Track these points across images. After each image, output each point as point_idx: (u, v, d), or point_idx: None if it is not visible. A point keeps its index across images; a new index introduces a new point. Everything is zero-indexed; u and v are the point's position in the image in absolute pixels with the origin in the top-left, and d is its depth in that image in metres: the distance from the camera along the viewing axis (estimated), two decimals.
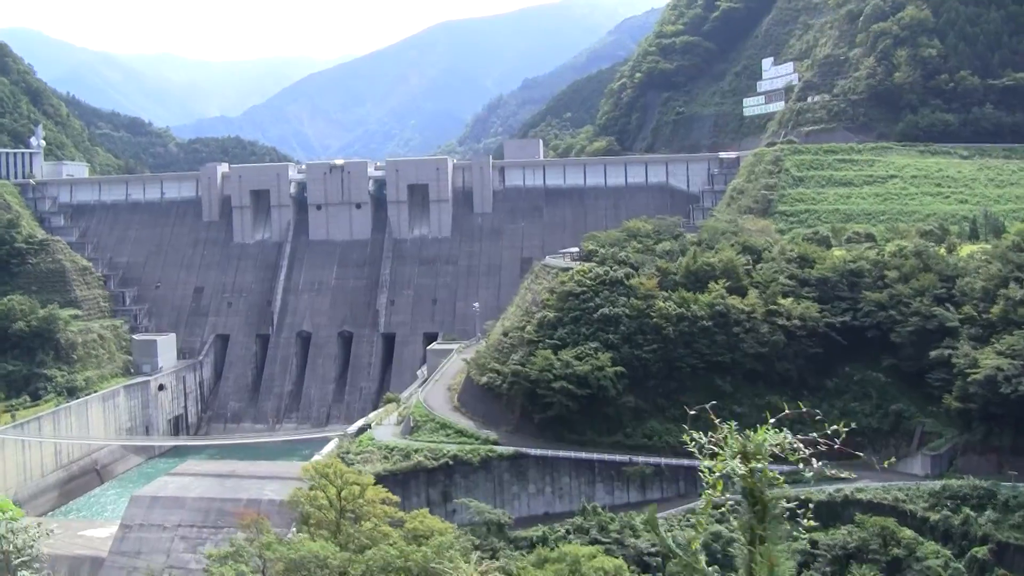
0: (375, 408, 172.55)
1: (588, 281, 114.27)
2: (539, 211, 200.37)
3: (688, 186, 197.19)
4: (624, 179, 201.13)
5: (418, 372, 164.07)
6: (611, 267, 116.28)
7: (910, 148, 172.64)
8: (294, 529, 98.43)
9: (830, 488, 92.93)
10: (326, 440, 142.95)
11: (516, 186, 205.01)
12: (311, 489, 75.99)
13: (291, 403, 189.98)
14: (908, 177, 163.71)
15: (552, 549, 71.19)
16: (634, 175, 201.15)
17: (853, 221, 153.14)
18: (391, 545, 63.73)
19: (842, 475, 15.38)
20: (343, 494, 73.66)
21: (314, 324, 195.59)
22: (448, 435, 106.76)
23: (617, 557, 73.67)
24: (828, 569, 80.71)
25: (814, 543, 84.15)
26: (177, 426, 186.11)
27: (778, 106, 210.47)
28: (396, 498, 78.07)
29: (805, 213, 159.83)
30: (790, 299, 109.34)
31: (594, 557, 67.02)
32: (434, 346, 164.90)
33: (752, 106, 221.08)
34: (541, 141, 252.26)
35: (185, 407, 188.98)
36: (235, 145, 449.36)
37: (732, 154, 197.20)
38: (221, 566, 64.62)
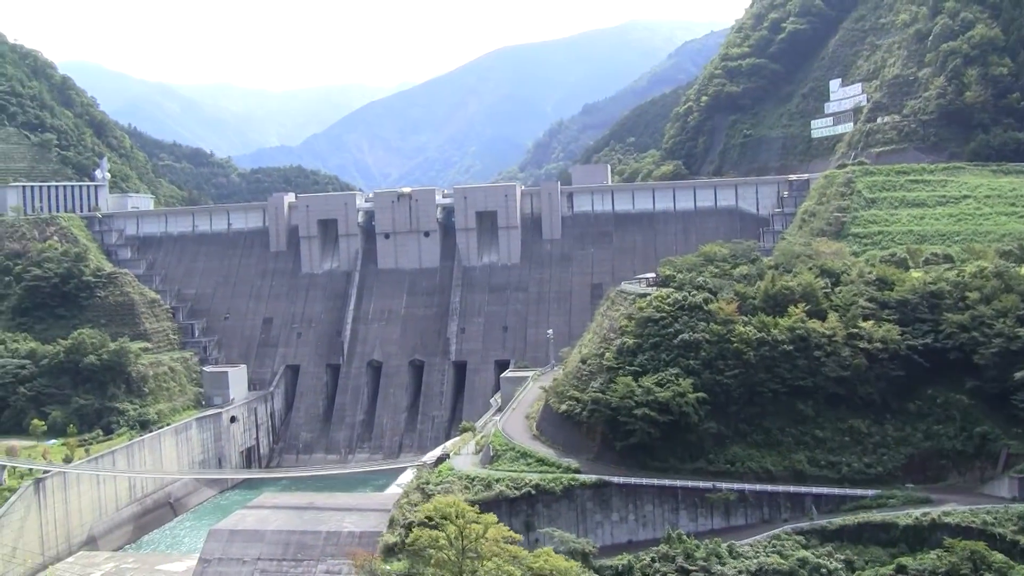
0: (448, 437, 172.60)
1: (667, 307, 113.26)
2: (608, 236, 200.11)
3: (758, 209, 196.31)
4: (693, 203, 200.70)
5: (491, 400, 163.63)
6: (689, 292, 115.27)
7: (982, 168, 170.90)
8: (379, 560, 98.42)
9: (916, 512, 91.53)
10: (399, 471, 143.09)
11: (585, 211, 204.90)
12: (431, 528, 75.28)
13: (363, 433, 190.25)
14: (982, 197, 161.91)
15: None
16: (703, 199, 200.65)
17: (927, 242, 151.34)
18: None
19: None
20: (465, 533, 72.86)
21: (384, 353, 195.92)
22: (529, 464, 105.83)
23: None
24: None
25: (902, 568, 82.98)
26: (249, 458, 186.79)
27: (846, 127, 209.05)
28: (519, 536, 77.33)
29: (879, 235, 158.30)
30: (870, 322, 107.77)
31: None
32: (507, 374, 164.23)
33: (820, 128, 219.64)
34: (609, 166, 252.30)
35: (257, 438, 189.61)
36: (297, 174, 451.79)
37: (802, 177, 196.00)
38: None
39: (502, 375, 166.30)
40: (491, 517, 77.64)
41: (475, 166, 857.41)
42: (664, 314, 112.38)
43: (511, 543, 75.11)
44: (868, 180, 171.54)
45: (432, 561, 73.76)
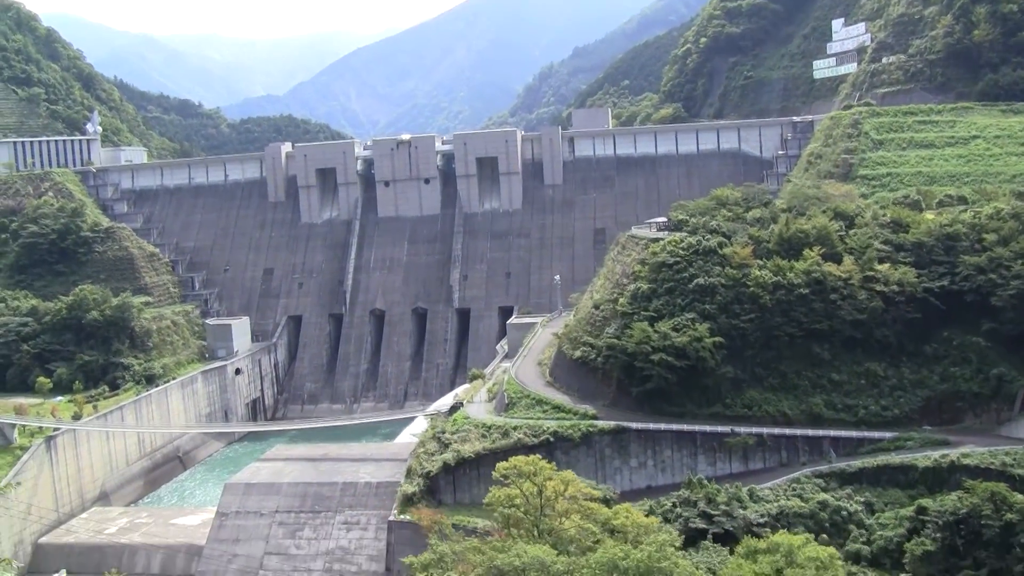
0: (453, 384, 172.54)
1: (681, 251, 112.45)
2: (610, 181, 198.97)
3: (761, 151, 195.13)
4: (696, 146, 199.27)
5: (497, 347, 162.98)
6: (703, 236, 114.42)
7: (991, 108, 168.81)
8: (395, 511, 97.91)
9: (935, 454, 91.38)
10: (407, 420, 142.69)
11: (586, 156, 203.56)
12: (508, 487, 73.36)
13: (368, 382, 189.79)
14: (991, 137, 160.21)
15: (762, 539, 69.34)
16: (706, 142, 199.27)
17: (937, 184, 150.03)
18: (615, 545, 61.90)
19: None
20: (544, 490, 71.40)
21: (387, 302, 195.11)
22: (545, 411, 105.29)
23: (829, 545, 72.59)
24: (938, 535, 78.83)
25: (922, 509, 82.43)
26: (254, 409, 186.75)
27: (850, 68, 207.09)
28: (598, 492, 75.99)
29: (887, 177, 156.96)
30: (886, 265, 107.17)
31: (806, 545, 65.45)
32: (513, 320, 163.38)
33: (822, 68, 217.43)
34: (609, 110, 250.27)
35: (262, 390, 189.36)
36: (288, 124, 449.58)
37: (806, 118, 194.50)
38: (424, 573, 63.07)
39: (508, 322, 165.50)
40: (570, 474, 76.09)
41: (464, 112, 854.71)
42: (678, 259, 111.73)
43: (590, 500, 73.15)
44: (875, 121, 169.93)
45: (509, 521, 71.76)
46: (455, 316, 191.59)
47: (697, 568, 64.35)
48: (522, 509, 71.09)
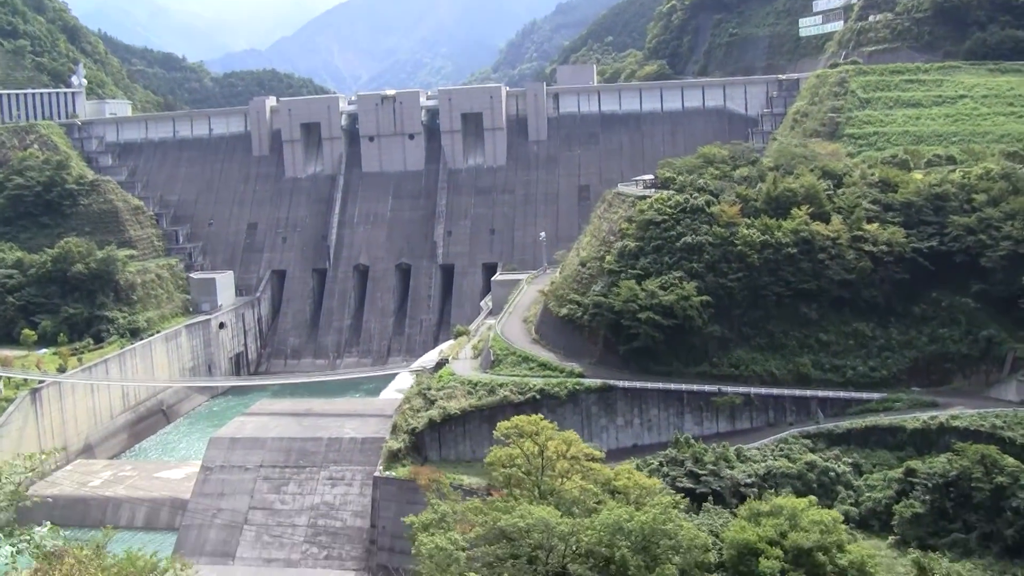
0: (436, 340, 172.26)
1: (668, 209, 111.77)
2: (595, 138, 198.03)
3: (746, 109, 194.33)
4: (681, 103, 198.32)
5: (481, 304, 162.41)
6: (691, 195, 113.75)
7: (979, 67, 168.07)
8: (381, 467, 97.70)
9: (924, 415, 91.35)
10: (391, 376, 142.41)
11: (571, 113, 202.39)
12: (509, 447, 72.45)
13: (351, 337, 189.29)
14: (979, 97, 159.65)
15: (763, 502, 69.00)
16: (691, 99, 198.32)
17: (924, 143, 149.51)
18: (619, 507, 61.35)
19: None
20: (545, 450, 70.52)
21: (371, 257, 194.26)
22: (531, 368, 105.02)
23: (832, 508, 72.47)
24: (927, 498, 78.87)
25: (911, 471, 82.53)
26: (238, 363, 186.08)
27: (836, 26, 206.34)
28: (600, 453, 75.17)
29: (874, 136, 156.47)
30: (875, 224, 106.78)
31: (809, 508, 65.20)
32: (498, 277, 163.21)
33: (808, 26, 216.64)
34: (595, 67, 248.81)
35: (245, 344, 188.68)
36: (271, 78, 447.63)
37: (791, 76, 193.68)
38: (425, 533, 62.50)
39: (492, 278, 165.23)
40: (571, 434, 74.98)
41: (446, 67, 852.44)
42: (666, 217, 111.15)
43: (592, 460, 72.47)
44: (862, 80, 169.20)
45: (510, 480, 70.77)
46: (439, 272, 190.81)
47: (700, 530, 63.92)
48: (523, 469, 70.19)
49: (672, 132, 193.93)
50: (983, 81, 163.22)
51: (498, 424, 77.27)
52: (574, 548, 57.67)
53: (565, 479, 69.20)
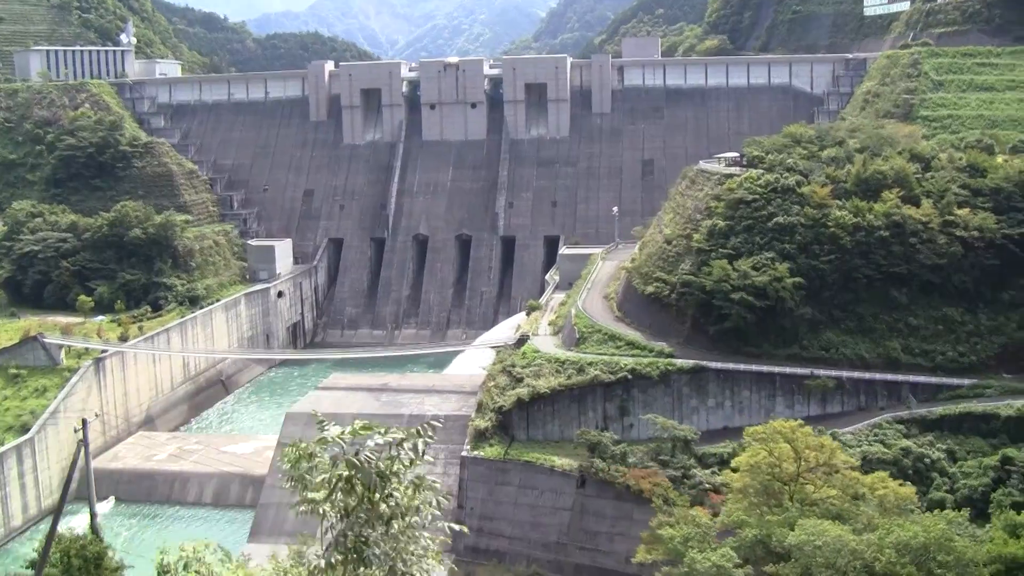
0: (496, 312, 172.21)
1: (759, 188, 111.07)
2: (659, 112, 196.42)
3: (811, 88, 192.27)
4: (747, 80, 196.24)
5: (546, 277, 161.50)
6: (780, 174, 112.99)
7: None
8: (468, 447, 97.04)
9: (1017, 403, 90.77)
10: (453, 352, 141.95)
11: (635, 86, 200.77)
12: (763, 451, 69.21)
13: (409, 308, 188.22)
14: None
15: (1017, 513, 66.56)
16: (756, 76, 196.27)
17: (999, 127, 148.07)
18: (912, 522, 59.40)
19: None
20: (805, 459, 67.80)
21: (431, 227, 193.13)
22: (618, 347, 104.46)
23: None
24: None
25: (1007, 459, 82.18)
26: (295, 333, 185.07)
27: (903, 6, 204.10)
28: (855, 461, 72.87)
29: (948, 119, 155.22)
30: (965, 210, 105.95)
31: None
32: (565, 250, 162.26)
33: (874, 5, 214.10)
34: (659, 40, 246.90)
35: (302, 313, 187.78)
36: (314, 41, 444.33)
37: (858, 56, 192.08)
38: (694, 550, 59.84)
39: (560, 251, 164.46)
40: (828, 439, 73.66)
41: (485, 34, 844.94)
42: (756, 196, 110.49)
43: (850, 468, 69.76)
44: (935, 62, 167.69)
45: (767, 490, 67.71)
46: (499, 244, 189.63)
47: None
48: (779, 477, 67.97)
49: (737, 108, 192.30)
50: None
51: (747, 428, 75.65)
52: (856, 567, 55.50)
53: (822, 488, 66.38)
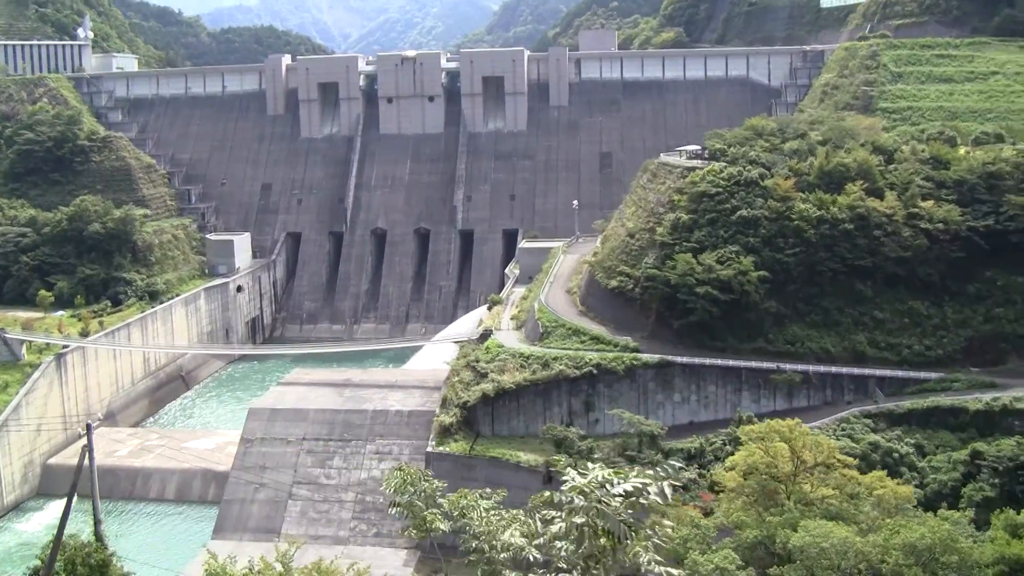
0: (455, 306, 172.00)
1: (722, 181, 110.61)
2: (617, 105, 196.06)
3: (769, 80, 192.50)
4: (704, 72, 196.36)
5: (506, 271, 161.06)
6: (743, 167, 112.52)
7: (1009, 43, 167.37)
8: (432, 442, 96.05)
9: (985, 397, 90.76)
10: (414, 347, 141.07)
11: (592, 78, 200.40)
12: (759, 450, 67.31)
13: (368, 302, 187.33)
14: (1011, 74, 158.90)
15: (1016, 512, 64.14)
16: (714, 68, 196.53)
17: (959, 119, 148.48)
18: (919, 524, 58.01)
19: None
20: (803, 458, 66.23)
21: (389, 221, 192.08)
22: (583, 342, 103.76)
23: None
24: (995, 481, 78.09)
25: (977, 453, 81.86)
26: (254, 328, 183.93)
27: None
28: (853, 460, 71.02)
29: (908, 111, 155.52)
30: (930, 202, 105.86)
31: None
32: (525, 244, 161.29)
33: None
34: (616, 32, 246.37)
35: (261, 308, 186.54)
36: (268, 35, 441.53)
37: (816, 48, 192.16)
38: (696, 552, 57.97)
39: (519, 245, 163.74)
40: (824, 437, 72.52)
41: (437, 27, 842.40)
42: (720, 189, 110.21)
43: (846, 467, 67.96)
44: (893, 54, 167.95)
45: (764, 490, 65.87)
46: (458, 237, 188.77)
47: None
48: (776, 477, 66.60)
49: (695, 101, 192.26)
50: (1014, 58, 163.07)
51: (742, 428, 75.11)
52: (861, 569, 54.39)
53: (819, 487, 65.13)
